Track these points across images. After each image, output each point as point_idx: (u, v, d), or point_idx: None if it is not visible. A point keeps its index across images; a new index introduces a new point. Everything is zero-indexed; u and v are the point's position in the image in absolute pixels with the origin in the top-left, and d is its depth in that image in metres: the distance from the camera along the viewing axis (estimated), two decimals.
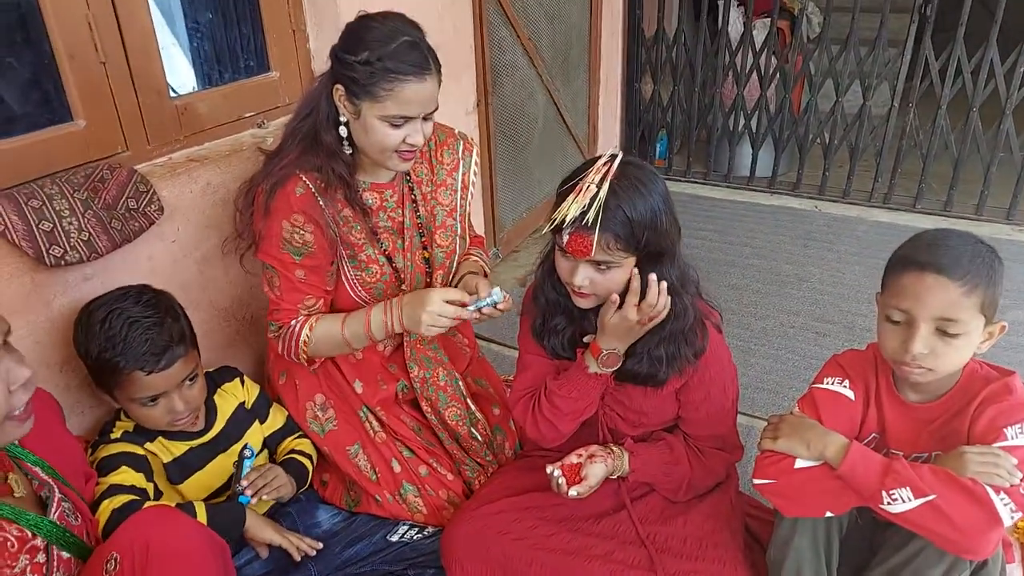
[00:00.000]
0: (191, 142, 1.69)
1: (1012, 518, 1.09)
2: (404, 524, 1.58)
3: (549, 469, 1.41)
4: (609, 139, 4.00)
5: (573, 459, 1.44)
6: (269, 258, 1.47)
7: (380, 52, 1.33)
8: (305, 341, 1.50)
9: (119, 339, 1.32)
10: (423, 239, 1.62)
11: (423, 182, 1.62)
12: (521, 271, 3.01)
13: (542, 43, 3.09)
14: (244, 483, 1.46)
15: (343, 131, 1.43)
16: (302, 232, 1.44)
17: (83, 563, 1.13)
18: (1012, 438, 1.15)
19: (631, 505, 1.53)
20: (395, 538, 1.55)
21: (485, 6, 2.60)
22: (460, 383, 1.70)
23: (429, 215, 1.62)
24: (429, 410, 1.66)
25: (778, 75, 3.57)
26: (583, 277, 1.29)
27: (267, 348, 1.73)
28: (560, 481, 1.39)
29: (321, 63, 1.97)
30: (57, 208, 1.34)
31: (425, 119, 1.42)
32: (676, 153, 4.04)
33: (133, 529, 1.11)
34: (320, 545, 1.49)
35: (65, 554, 1.09)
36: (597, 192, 1.21)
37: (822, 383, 1.37)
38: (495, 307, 1.47)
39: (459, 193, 1.66)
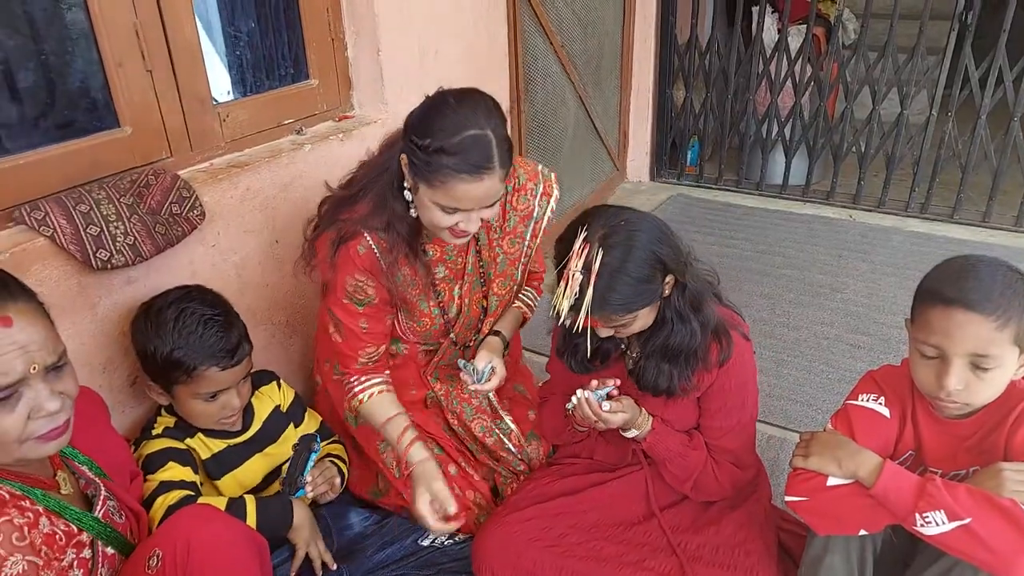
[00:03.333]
0: (232, 148, 1.72)
1: None
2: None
3: (579, 393, 1.43)
4: (640, 146, 3.99)
5: (610, 382, 1.46)
6: (336, 308, 1.49)
7: (442, 143, 1.26)
8: (356, 409, 1.57)
9: (196, 336, 1.36)
10: (483, 286, 1.63)
11: (491, 228, 1.59)
12: (548, 277, 3.00)
13: (575, 51, 3.10)
14: (308, 478, 1.49)
15: (408, 195, 1.41)
16: (364, 287, 1.46)
17: (125, 559, 1.16)
18: None
19: (660, 514, 1.53)
20: (426, 542, 1.56)
21: (520, 15, 2.62)
22: (489, 395, 1.71)
23: (491, 261, 1.61)
24: (456, 422, 1.67)
25: (813, 83, 3.53)
26: (603, 332, 1.35)
27: (315, 342, 1.76)
28: (589, 398, 1.41)
29: (359, 71, 2.01)
30: (104, 213, 1.38)
31: (485, 207, 1.36)
32: (707, 160, 4.01)
33: (176, 527, 1.13)
34: (334, 566, 1.50)
35: (110, 550, 1.12)
36: (584, 280, 1.24)
37: (857, 399, 1.35)
38: (474, 384, 1.55)
39: (526, 242, 1.63)
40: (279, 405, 1.61)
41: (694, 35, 3.72)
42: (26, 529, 0.98)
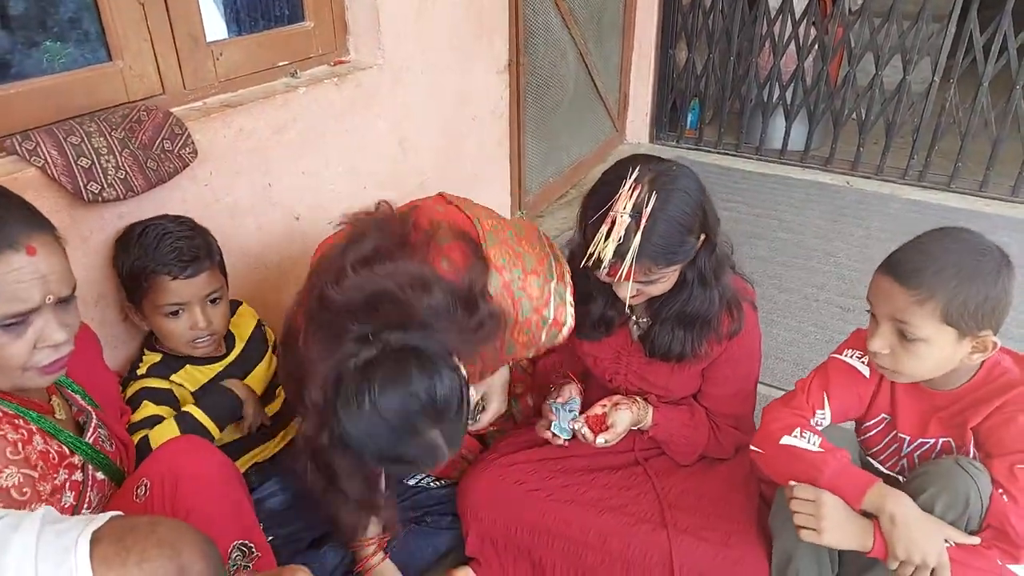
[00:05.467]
0: (225, 88, 1.70)
1: None
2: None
3: (575, 426, 1.43)
4: (640, 106, 3.96)
5: (597, 410, 1.47)
6: None
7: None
8: None
9: (152, 247, 1.38)
10: None
11: None
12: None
13: (576, 5, 3.05)
14: None
15: None
16: None
17: (116, 487, 1.18)
18: None
19: (646, 462, 1.56)
20: (412, 482, 1.58)
21: None
22: None
23: None
24: None
25: (816, 46, 3.49)
26: (631, 289, 1.28)
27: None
28: (584, 431, 1.41)
29: (355, 15, 1.98)
30: (96, 145, 1.37)
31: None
32: (707, 123, 3.98)
33: (162, 458, 1.15)
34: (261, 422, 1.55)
35: (100, 475, 1.14)
36: (631, 224, 1.19)
37: (841, 354, 1.37)
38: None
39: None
40: (260, 320, 1.62)
41: None
42: (20, 445, 0.99)
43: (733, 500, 1.44)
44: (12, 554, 0.81)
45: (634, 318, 1.49)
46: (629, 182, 1.21)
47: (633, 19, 3.67)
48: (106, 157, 1.37)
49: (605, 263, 1.21)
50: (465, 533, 1.49)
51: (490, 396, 1.48)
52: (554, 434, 1.46)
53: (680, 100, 3.96)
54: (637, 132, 4.04)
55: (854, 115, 3.53)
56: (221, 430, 1.44)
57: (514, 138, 2.76)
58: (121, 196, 1.39)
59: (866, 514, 1.19)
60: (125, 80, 1.50)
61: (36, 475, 1.00)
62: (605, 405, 1.47)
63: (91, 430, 1.17)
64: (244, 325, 1.63)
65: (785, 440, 1.26)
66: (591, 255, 1.22)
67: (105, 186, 1.36)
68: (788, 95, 3.64)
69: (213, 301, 1.47)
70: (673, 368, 1.47)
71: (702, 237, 1.31)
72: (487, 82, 2.51)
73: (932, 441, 1.30)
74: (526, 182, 2.97)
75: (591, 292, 1.43)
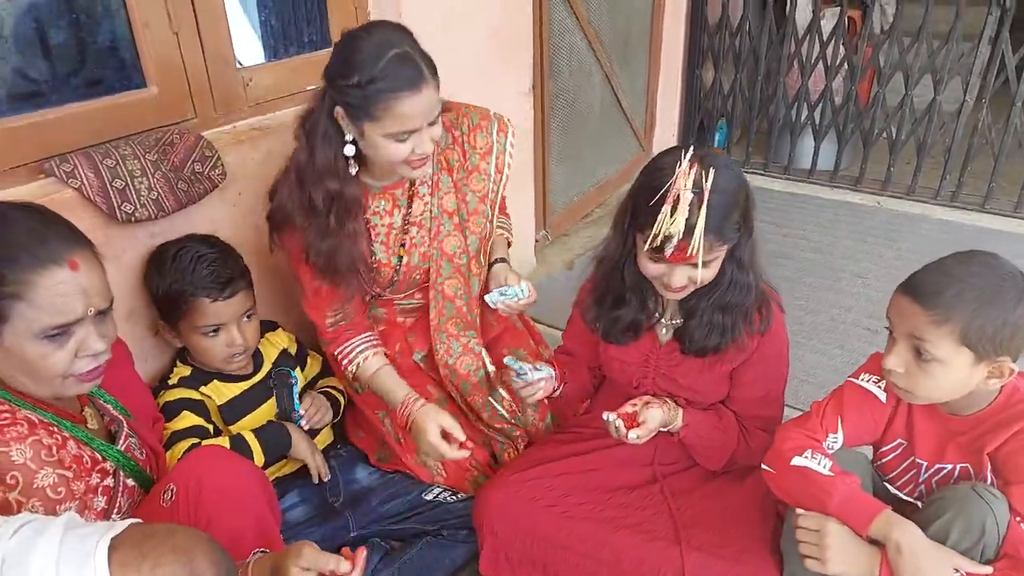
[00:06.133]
0: (255, 112, 1.77)
1: None
2: (439, 486, 1.63)
3: (606, 416, 1.44)
4: (667, 127, 3.97)
5: (628, 408, 1.46)
6: (299, 270, 1.57)
7: (370, 73, 1.32)
8: (353, 378, 1.62)
9: (189, 271, 1.43)
10: (455, 226, 1.65)
11: (454, 169, 1.64)
12: (569, 255, 3.04)
13: (602, 27, 3.09)
14: (301, 411, 1.58)
15: (350, 150, 1.44)
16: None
17: (146, 493, 1.22)
18: None
19: (664, 480, 1.56)
20: (430, 497, 1.61)
21: None
22: (482, 372, 1.71)
23: (461, 202, 1.65)
24: (452, 388, 1.70)
25: (845, 66, 3.48)
26: (682, 278, 1.30)
27: None
28: (618, 424, 1.42)
29: None
30: (130, 168, 1.43)
31: (431, 124, 1.41)
32: (735, 143, 3.98)
33: (189, 465, 1.20)
34: (328, 476, 1.60)
35: (130, 482, 1.19)
36: (695, 200, 1.20)
37: (858, 378, 1.36)
38: (519, 302, 1.56)
39: (492, 178, 1.67)
40: (287, 348, 1.67)
41: (725, 15, 3.68)
42: (54, 448, 1.05)
43: (748, 518, 1.44)
44: (37, 556, 0.85)
45: (663, 320, 1.50)
46: (685, 162, 1.22)
47: (660, 41, 3.70)
48: (139, 179, 1.43)
49: (675, 240, 1.22)
50: (480, 547, 1.50)
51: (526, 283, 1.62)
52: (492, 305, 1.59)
53: (707, 119, 3.97)
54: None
55: (884, 135, 3.50)
56: (266, 463, 1.49)
57: (538, 158, 2.80)
58: (153, 216, 1.45)
59: (874, 542, 1.18)
60: (158, 105, 1.57)
61: (71, 475, 1.05)
62: (636, 404, 1.47)
63: (122, 438, 1.22)
64: (273, 347, 1.68)
65: (796, 461, 1.26)
66: (656, 236, 1.23)
67: (138, 206, 1.43)
68: (816, 115, 3.62)
69: (248, 318, 1.53)
70: (703, 369, 1.48)
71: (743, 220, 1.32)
72: (512, 104, 2.55)
73: (950, 467, 1.29)
74: (551, 201, 3.00)
75: (624, 295, 1.45)
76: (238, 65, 1.71)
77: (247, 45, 1.80)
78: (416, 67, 1.34)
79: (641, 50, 3.58)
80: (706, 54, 3.83)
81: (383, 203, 1.58)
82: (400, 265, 1.63)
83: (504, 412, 1.70)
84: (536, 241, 2.96)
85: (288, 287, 1.86)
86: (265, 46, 1.87)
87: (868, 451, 1.43)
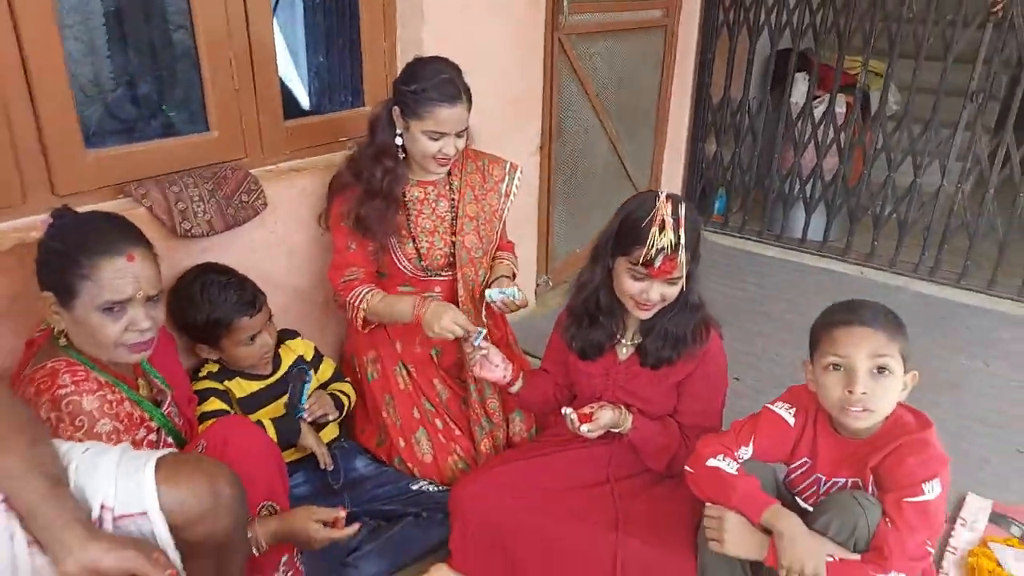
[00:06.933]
0: (294, 156, 2.12)
1: None
2: (424, 480, 1.91)
3: (564, 410, 1.71)
4: (670, 190, 4.28)
5: (586, 409, 1.74)
6: (334, 230, 1.97)
7: (425, 84, 1.82)
8: (365, 317, 1.95)
9: (221, 300, 1.74)
10: (453, 232, 2.03)
11: (476, 187, 2.07)
12: (566, 299, 3.32)
13: (609, 100, 3.45)
14: (306, 406, 1.86)
15: (398, 140, 1.92)
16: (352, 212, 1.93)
17: (181, 450, 1.52)
18: (928, 493, 1.36)
19: (615, 483, 1.81)
20: (415, 487, 1.89)
21: (557, 65, 2.99)
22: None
23: (480, 211, 2.06)
24: (447, 381, 2.03)
25: (834, 146, 3.79)
26: (658, 293, 1.62)
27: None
28: (573, 418, 1.69)
29: None
30: (190, 194, 1.78)
31: (458, 136, 1.89)
32: (734, 211, 4.28)
33: (217, 428, 1.50)
34: (331, 466, 1.88)
35: (169, 439, 1.48)
36: (676, 222, 1.53)
37: (774, 405, 1.63)
38: (514, 300, 1.90)
39: (502, 199, 2.12)
40: (302, 355, 1.98)
41: (727, 95, 4.04)
42: (113, 404, 1.35)
43: (679, 516, 1.66)
44: (102, 464, 1.15)
45: (624, 340, 1.79)
46: (663, 197, 1.56)
47: (667, 115, 4.05)
48: (197, 203, 1.78)
49: (665, 254, 1.53)
50: (452, 529, 1.76)
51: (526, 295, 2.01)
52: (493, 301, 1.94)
53: (708, 188, 4.29)
54: None
55: (869, 211, 3.78)
56: (279, 446, 1.77)
57: (543, 210, 3.13)
58: (206, 234, 1.79)
59: (766, 531, 1.43)
60: (217, 146, 1.93)
61: (122, 428, 1.35)
62: (593, 406, 1.74)
63: (165, 406, 1.53)
64: (292, 352, 1.99)
65: (711, 462, 1.52)
66: (648, 251, 1.54)
67: (194, 225, 1.77)
68: (808, 189, 3.92)
69: (270, 321, 1.85)
70: (654, 382, 1.75)
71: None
72: (522, 160, 2.87)
73: (843, 480, 1.54)
74: (553, 250, 3.31)
75: (598, 316, 1.75)
76: (284, 119, 2.08)
77: (293, 101, 2.17)
78: (457, 89, 1.86)
79: (648, 122, 3.93)
80: (709, 129, 4.17)
81: (418, 192, 2.01)
82: (426, 243, 2.03)
83: (496, 404, 2.03)
84: (537, 285, 3.26)
85: (311, 297, 2.18)
86: (309, 103, 2.24)
87: (782, 469, 1.68)
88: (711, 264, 3.86)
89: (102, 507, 1.12)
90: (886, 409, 1.44)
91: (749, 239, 4.18)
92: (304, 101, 2.23)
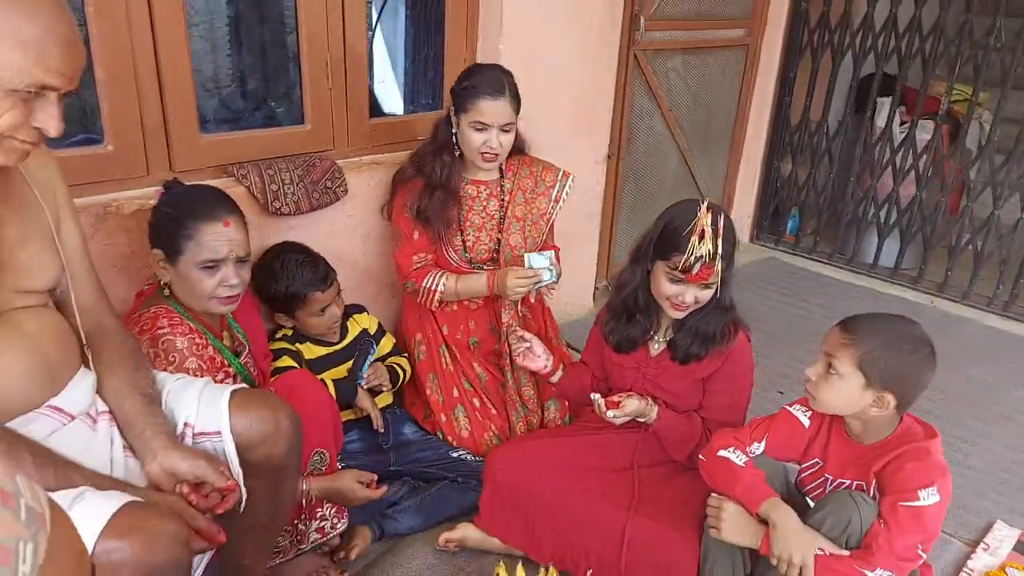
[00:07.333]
0: (376, 151, 2.37)
1: None
2: (463, 449, 2.11)
3: (593, 396, 1.86)
4: (744, 208, 4.35)
5: (615, 397, 1.88)
6: (398, 221, 2.17)
7: (474, 82, 2.04)
8: (442, 300, 2.16)
9: (298, 275, 1.98)
10: (499, 230, 2.22)
11: (527, 191, 2.23)
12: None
13: (682, 115, 3.57)
14: (364, 374, 2.09)
15: (454, 138, 2.11)
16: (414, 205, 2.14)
17: None
18: (923, 499, 1.45)
19: (638, 470, 1.95)
20: (455, 455, 2.09)
21: (631, 79, 3.14)
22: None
23: (527, 213, 2.23)
24: (488, 366, 2.22)
25: (912, 172, 3.76)
26: (692, 296, 1.75)
27: (403, 299, 2.37)
28: (600, 403, 1.84)
29: None
30: (282, 177, 2.04)
31: (503, 131, 2.05)
32: (807, 234, 4.29)
33: (286, 377, 1.75)
34: (382, 428, 2.09)
35: (243, 386, 1.73)
36: (715, 232, 1.66)
37: (792, 407, 1.73)
38: (548, 269, 2.09)
39: (551, 204, 2.27)
40: (366, 328, 2.21)
41: (806, 116, 4.07)
42: (200, 347, 1.61)
43: (691, 502, 1.77)
44: (188, 394, 1.39)
45: (656, 336, 1.93)
46: (703, 208, 1.69)
47: (744, 134, 4.12)
48: (287, 186, 2.04)
49: (703, 261, 1.66)
50: (483, 491, 1.94)
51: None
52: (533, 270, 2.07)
53: (782, 207, 4.32)
54: (739, 231, 4.37)
55: (943, 241, 3.73)
56: (338, 404, 2.00)
57: (607, 216, 3.28)
58: (292, 213, 2.05)
59: (764, 522, 1.54)
60: (310, 138, 2.19)
61: (205, 368, 1.61)
62: (621, 396, 1.88)
63: (243, 356, 1.78)
64: (357, 326, 2.23)
65: (721, 453, 1.64)
66: (688, 258, 1.68)
67: (283, 204, 2.03)
68: (882, 214, 3.90)
69: (338, 296, 2.09)
70: (681, 376, 1.88)
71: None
72: (586, 168, 3.04)
73: (848, 482, 1.63)
74: (614, 255, 3.46)
75: (636, 314, 1.89)
76: (369, 117, 2.32)
77: (379, 102, 2.42)
78: (501, 85, 2.04)
79: (723, 139, 4.01)
80: (785, 149, 4.21)
81: (471, 189, 2.20)
82: (472, 237, 2.22)
83: (532, 392, 2.21)
84: (596, 288, 3.41)
85: (380, 278, 2.41)
86: (392, 104, 2.48)
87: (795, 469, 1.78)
88: (770, 280, 3.90)
89: (185, 424, 1.37)
90: (829, 404, 1.56)
91: (819, 261, 4.18)
92: (391, 103, 2.48)
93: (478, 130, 2.04)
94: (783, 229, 4.36)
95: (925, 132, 3.76)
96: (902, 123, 3.81)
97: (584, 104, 2.94)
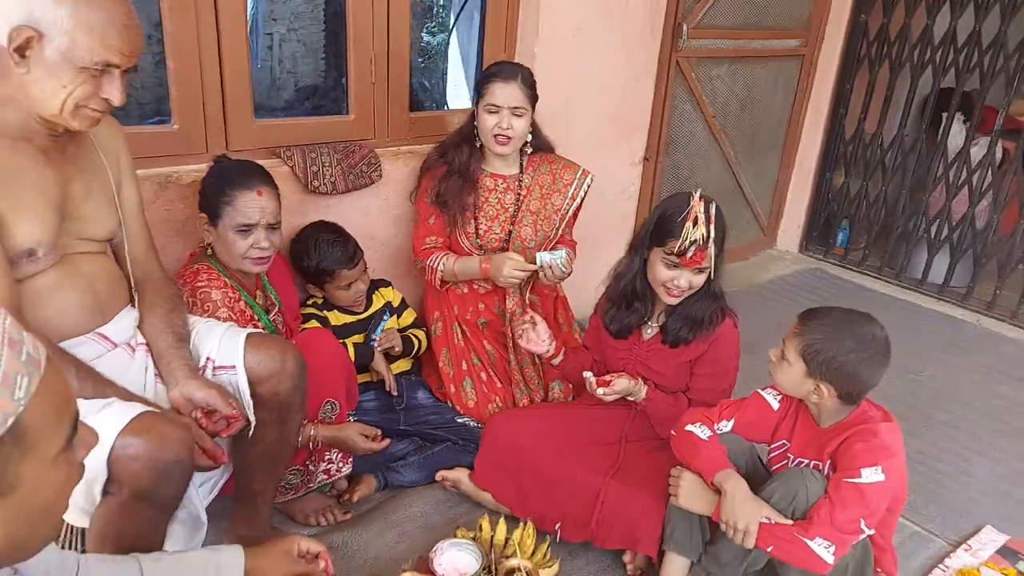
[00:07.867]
0: (413, 141, 2.59)
1: (834, 558, 1.52)
2: (468, 417, 2.30)
3: (585, 373, 2.01)
4: (794, 218, 4.36)
5: (607, 376, 2.02)
6: (420, 203, 2.38)
7: (490, 71, 2.25)
8: (444, 278, 2.35)
9: (328, 252, 2.21)
10: (512, 222, 2.37)
11: (544, 185, 2.39)
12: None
13: (727, 123, 3.65)
14: (375, 337, 2.31)
15: (476, 129, 2.29)
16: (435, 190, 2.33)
17: None
18: (865, 477, 1.54)
19: (626, 444, 2.08)
20: (460, 420, 2.28)
21: (672, 85, 3.26)
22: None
23: (542, 208, 2.38)
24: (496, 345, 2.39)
25: (965, 188, 3.70)
26: (686, 280, 1.89)
27: (426, 279, 2.56)
28: (592, 380, 1.99)
29: None
30: (323, 160, 2.29)
31: (515, 114, 2.20)
32: (857, 248, 4.26)
33: (306, 334, 1.99)
34: (395, 392, 2.30)
35: (261, 330, 1.97)
36: (707, 219, 1.80)
37: (764, 391, 1.83)
38: (560, 265, 2.21)
39: (567, 200, 2.41)
40: (390, 302, 2.43)
41: (860, 128, 4.06)
42: (233, 300, 1.86)
43: (666, 473, 1.88)
44: (213, 334, 1.64)
45: (649, 322, 2.06)
46: (696, 195, 1.82)
47: (797, 143, 4.14)
48: (326, 168, 2.29)
49: (697, 245, 1.78)
50: (480, 448, 2.12)
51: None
52: (542, 265, 2.18)
53: (832, 218, 4.30)
54: (789, 241, 4.43)
55: (995, 259, 3.65)
56: (355, 364, 2.22)
57: (642, 217, 3.39)
58: (329, 192, 2.29)
59: (719, 492, 1.66)
60: (352, 127, 2.44)
61: (235, 319, 1.85)
62: (613, 375, 2.02)
63: (273, 314, 2.03)
64: (382, 298, 2.45)
65: (688, 427, 1.76)
66: (683, 242, 1.81)
67: (322, 184, 2.28)
68: (933, 230, 3.85)
69: (364, 273, 2.32)
70: (670, 358, 2.01)
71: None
72: (622, 169, 3.19)
73: (808, 461, 1.73)
74: None
75: (633, 301, 2.03)
76: (409, 111, 2.55)
77: (418, 97, 2.64)
78: (514, 71, 2.22)
79: (773, 147, 4.05)
80: (839, 160, 4.20)
81: (489, 181, 2.37)
82: (485, 225, 2.39)
83: (535, 373, 2.37)
84: None
85: (408, 258, 2.63)
86: (431, 100, 2.70)
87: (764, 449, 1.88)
88: (812, 290, 3.91)
89: (207, 359, 1.61)
90: (783, 386, 1.69)
91: (868, 275, 4.15)
92: (427, 98, 2.70)
93: (491, 112, 2.20)
94: (832, 241, 4.34)
95: (982, 149, 3.70)
96: (972, 139, 3.73)
97: (622, 107, 3.08)
